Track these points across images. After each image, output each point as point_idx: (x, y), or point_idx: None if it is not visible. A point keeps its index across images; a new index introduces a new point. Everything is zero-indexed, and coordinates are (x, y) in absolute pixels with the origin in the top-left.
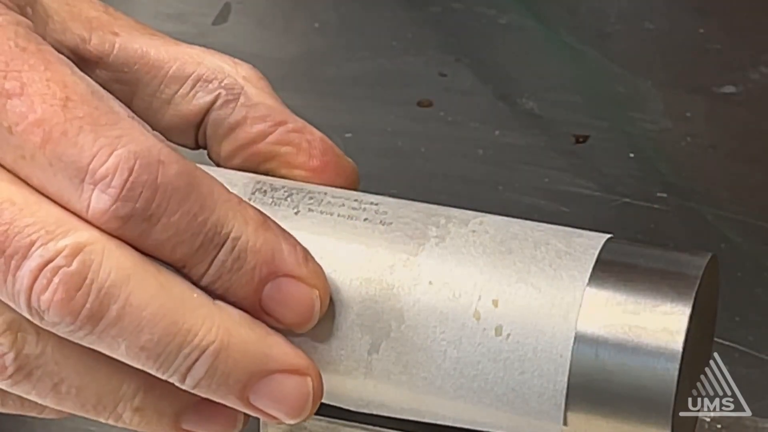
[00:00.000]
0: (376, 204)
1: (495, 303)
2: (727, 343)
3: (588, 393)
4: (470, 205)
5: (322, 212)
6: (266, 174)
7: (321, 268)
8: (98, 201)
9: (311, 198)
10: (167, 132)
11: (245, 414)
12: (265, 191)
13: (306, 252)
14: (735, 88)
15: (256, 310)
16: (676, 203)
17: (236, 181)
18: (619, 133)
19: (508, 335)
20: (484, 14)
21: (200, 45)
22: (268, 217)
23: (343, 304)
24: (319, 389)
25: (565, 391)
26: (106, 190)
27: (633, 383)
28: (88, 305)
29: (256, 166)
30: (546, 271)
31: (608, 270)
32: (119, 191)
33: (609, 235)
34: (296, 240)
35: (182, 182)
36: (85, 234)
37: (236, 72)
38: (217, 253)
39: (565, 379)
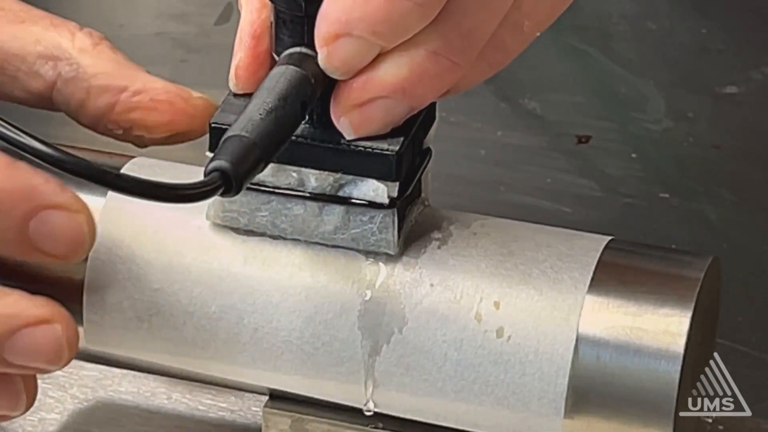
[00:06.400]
0: None
1: (496, 305)
2: (727, 343)
3: (589, 395)
4: (472, 206)
5: None
6: (138, 141)
7: (78, 196)
8: None
9: None
10: (24, 105)
11: (26, 389)
12: None
13: (61, 181)
14: (737, 88)
15: (27, 248)
16: (678, 204)
17: None
18: (622, 133)
19: (509, 337)
20: None
21: (203, 45)
22: (17, 159)
23: (344, 307)
24: (72, 332)
25: (566, 394)
26: None
27: (634, 385)
28: None
29: (125, 135)
30: (547, 273)
31: (609, 272)
32: None
33: (610, 237)
34: (49, 174)
35: None
36: None
37: (72, 45)
38: None
39: (566, 381)
